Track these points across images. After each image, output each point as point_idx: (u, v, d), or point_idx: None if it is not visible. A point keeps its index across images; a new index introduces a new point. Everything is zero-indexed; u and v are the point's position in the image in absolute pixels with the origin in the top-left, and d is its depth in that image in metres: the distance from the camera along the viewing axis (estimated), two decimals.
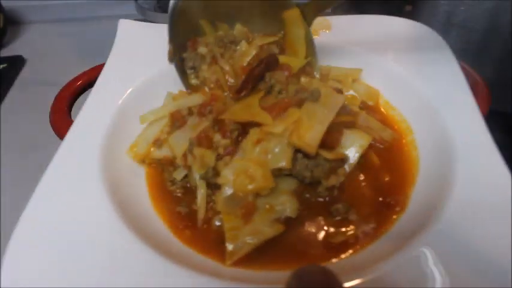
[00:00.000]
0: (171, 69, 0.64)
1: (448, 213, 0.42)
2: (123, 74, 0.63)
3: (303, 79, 0.58)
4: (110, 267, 0.38)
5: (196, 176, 0.49)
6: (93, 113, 0.56)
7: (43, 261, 0.39)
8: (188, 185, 0.52)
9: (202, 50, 0.61)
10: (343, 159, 0.49)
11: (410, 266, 0.38)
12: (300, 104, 0.50)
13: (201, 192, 0.49)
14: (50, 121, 0.59)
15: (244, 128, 0.50)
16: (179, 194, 0.52)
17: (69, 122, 0.60)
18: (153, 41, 0.68)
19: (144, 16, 1.09)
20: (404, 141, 0.57)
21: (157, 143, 0.55)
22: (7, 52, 1.18)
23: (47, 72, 1.09)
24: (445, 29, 0.84)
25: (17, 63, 1.13)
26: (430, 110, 0.55)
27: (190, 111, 0.56)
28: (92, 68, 0.69)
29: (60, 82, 0.66)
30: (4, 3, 1.21)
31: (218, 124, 0.51)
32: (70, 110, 0.63)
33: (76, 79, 0.67)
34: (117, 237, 0.41)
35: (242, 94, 0.54)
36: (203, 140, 0.50)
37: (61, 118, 0.60)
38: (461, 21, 0.81)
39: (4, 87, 1.04)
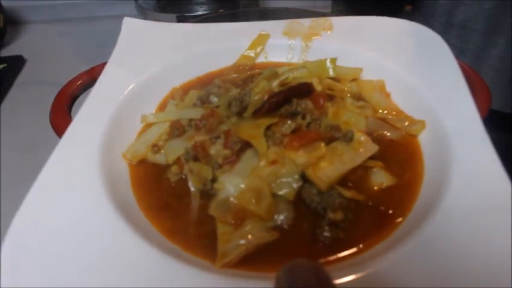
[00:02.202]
0: (173, 68, 0.65)
1: (444, 215, 0.42)
2: (126, 72, 0.63)
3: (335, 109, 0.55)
4: (109, 266, 0.38)
5: (191, 185, 0.50)
6: (93, 109, 0.56)
7: (41, 260, 0.39)
8: (184, 176, 0.52)
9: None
10: (359, 201, 0.47)
11: (404, 265, 0.38)
12: (328, 140, 0.49)
13: (195, 202, 0.49)
14: (50, 121, 0.59)
15: (248, 144, 0.49)
16: (173, 184, 0.52)
17: (69, 122, 0.59)
18: (157, 39, 0.70)
19: (144, 16, 1.09)
20: (414, 140, 0.56)
21: (155, 148, 0.55)
22: (7, 52, 1.19)
23: (47, 72, 1.09)
24: (445, 29, 0.84)
25: (17, 63, 1.13)
26: (429, 110, 0.55)
27: (190, 123, 0.56)
28: (92, 68, 0.68)
29: (60, 82, 0.66)
30: (4, 3, 1.21)
31: (224, 135, 0.51)
32: (70, 110, 0.62)
33: (76, 79, 0.67)
34: (116, 236, 0.41)
35: (257, 115, 0.52)
36: (199, 150, 0.50)
37: (61, 118, 0.60)
38: (461, 21, 0.81)
39: (4, 87, 1.04)
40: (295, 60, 0.72)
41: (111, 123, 0.55)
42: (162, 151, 0.55)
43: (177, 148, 0.53)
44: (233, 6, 1.11)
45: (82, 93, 0.66)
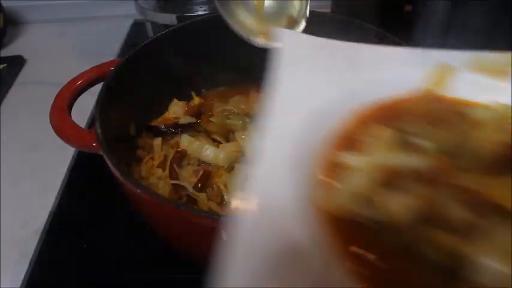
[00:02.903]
0: (344, 96, 0.52)
1: None
2: (299, 97, 0.51)
3: None
4: None
5: (425, 256, 0.38)
6: (269, 147, 0.43)
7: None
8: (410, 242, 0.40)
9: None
10: None
11: None
12: None
13: (434, 280, 0.36)
14: (50, 121, 0.59)
15: (495, 208, 0.39)
16: None
17: (70, 122, 0.60)
18: (322, 60, 0.56)
19: (144, 16, 1.09)
20: None
21: (361, 199, 0.43)
22: (7, 52, 1.18)
23: (47, 72, 1.09)
24: (445, 29, 0.84)
25: (17, 63, 1.13)
26: None
27: (407, 173, 0.45)
28: (92, 68, 0.68)
29: (60, 82, 0.66)
30: (4, 3, 1.21)
31: (465, 193, 0.41)
32: (70, 110, 0.62)
33: (76, 79, 0.67)
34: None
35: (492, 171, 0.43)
36: (434, 212, 0.41)
37: (61, 118, 0.60)
38: (461, 21, 0.81)
39: (4, 87, 1.04)
40: (481, 99, 0.55)
41: (289, 163, 0.43)
42: (372, 204, 0.43)
43: (397, 205, 0.42)
44: None
45: (82, 94, 0.66)
